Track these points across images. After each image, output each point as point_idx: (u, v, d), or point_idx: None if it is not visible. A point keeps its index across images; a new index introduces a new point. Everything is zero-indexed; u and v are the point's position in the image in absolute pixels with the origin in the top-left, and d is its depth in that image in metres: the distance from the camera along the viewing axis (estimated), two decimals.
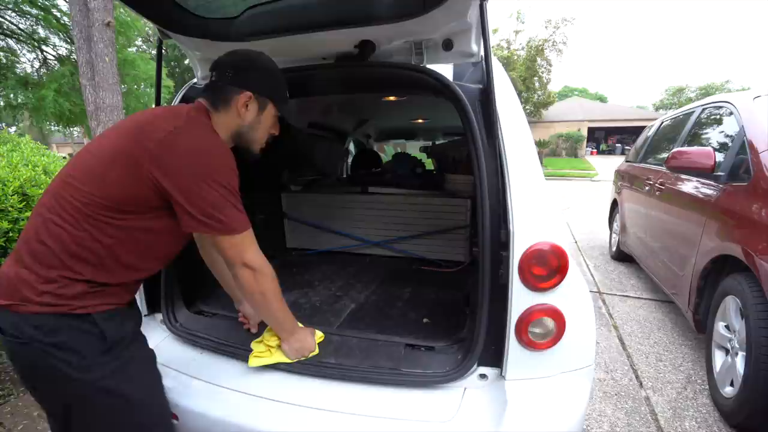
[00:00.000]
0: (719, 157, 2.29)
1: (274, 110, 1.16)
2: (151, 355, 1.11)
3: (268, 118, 1.16)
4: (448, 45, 1.28)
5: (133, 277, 1.03)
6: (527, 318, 1.10)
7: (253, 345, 1.28)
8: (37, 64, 10.35)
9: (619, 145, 30.10)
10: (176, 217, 0.96)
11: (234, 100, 1.07)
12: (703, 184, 2.37)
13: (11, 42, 9.71)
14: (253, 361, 1.23)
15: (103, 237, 0.93)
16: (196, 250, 1.44)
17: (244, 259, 1.03)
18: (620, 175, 4.37)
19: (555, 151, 27.67)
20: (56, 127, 12.53)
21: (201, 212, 0.94)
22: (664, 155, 3.15)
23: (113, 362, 0.96)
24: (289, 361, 1.23)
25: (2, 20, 9.16)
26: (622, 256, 4.15)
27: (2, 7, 8.85)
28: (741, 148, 2.14)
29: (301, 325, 1.32)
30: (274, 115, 1.18)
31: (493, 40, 22.21)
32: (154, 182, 0.92)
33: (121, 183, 0.92)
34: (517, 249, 1.09)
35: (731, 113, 2.42)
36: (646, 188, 3.31)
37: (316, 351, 1.28)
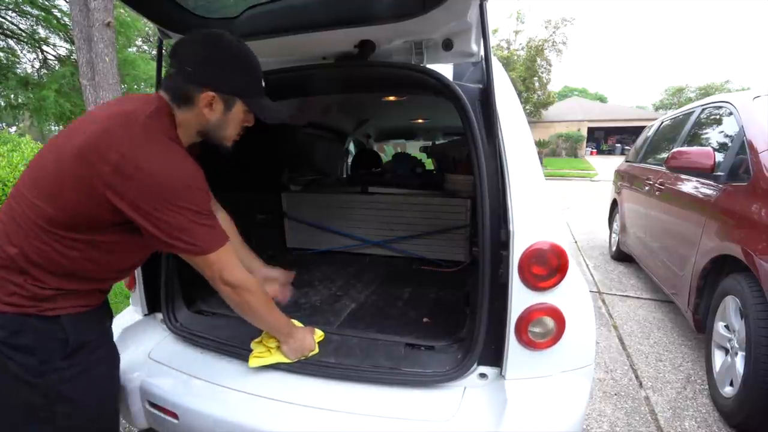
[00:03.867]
0: (719, 157, 2.29)
1: (243, 107, 1.03)
2: (113, 362, 1.08)
3: (237, 115, 1.04)
4: (448, 45, 1.28)
5: (104, 286, 1.00)
6: (527, 317, 1.10)
7: (253, 345, 1.28)
8: (37, 65, 10.37)
9: (619, 145, 30.10)
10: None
11: (196, 100, 0.95)
12: (702, 184, 2.37)
13: (12, 42, 9.72)
14: (253, 362, 1.24)
15: (66, 251, 0.88)
16: None
17: (223, 277, 0.98)
18: (620, 175, 4.37)
19: (555, 151, 27.69)
20: (57, 127, 12.54)
21: (168, 236, 0.88)
22: (664, 155, 3.15)
23: (73, 368, 0.93)
24: (289, 361, 1.23)
25: (3, 20, 9.17)
26: (621, 256, 4.15)
27: (2, 8, 8.86)
28: (741, 148, 2.14)
29: (299, 323, 1.31)
30: (245, 111, 1.05)
31: (493, 41, 22.19)
32: (112, 205, 0.85)
33: (77, 204, 0.85)
34: (517, 248, 1.09)
35: (731, 113, 2.42)
36: (646, 188, 3.31)
37: (316, 350, 1.28)
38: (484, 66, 1.21)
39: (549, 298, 1.11)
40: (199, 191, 0.92)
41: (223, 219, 1.36)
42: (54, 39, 10.09)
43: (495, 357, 1.17)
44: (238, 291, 1.02)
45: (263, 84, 1.06)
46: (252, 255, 1.45)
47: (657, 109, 38.15)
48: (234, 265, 1.01)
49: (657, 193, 3.04)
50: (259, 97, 1.06)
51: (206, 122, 0.99)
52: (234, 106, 1.01)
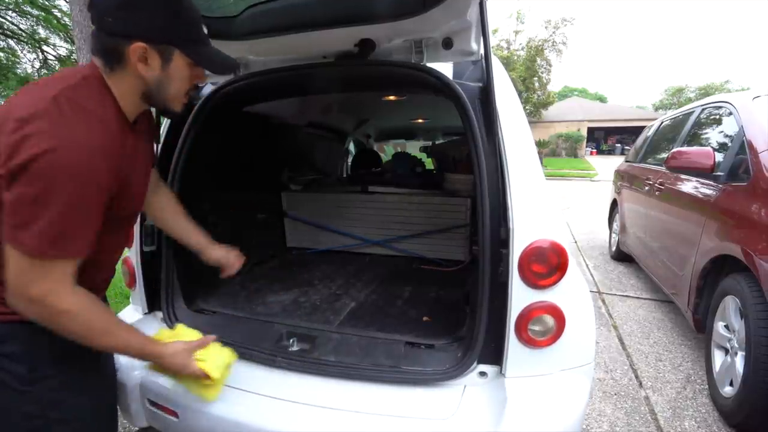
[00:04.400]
0: (719, 157, 2.29)
1: (185, 58, 0.87)
2: (107, 364, 1.05)
3: (181, 69, 0.87)
4: (448, 43, 1.28)
5: (88, 286, 0.89)
6: (527, 315, 1.10)
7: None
8: (37, 65, 10.36)
9: (619, 145, 30.13)
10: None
11: (126, 55, 0.80)
12: (702, 184, 2.37)
13: (12, 42, 9.72)
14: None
15: None
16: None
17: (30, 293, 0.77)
18: (620, 175, 4.37)
19: (555, 151, 27.70)
20: None
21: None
22: (664, 155, 3.16)
23: (63, 374, 0.89)
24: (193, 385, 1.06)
25: (3, 21, 9.17)
26: (621, 256, 4.15)
27: (3, 8, 8.86)
28: (740, 148, 2.14)
29: (190, 336, 1.12)
30: (189, 63, 0.88)
31: (493, 41, 22.19)
32: None
33: None
34: (517, 246, 1.09)
35: (731, 113, 2.43)
36: (646, 188, 3.32)
37: (215, 378, 1.04)
38: (484, 64, 1.21)
39: (549, 296, 1.11)
40: (89, 184, 0.75)
41: (167, 195, 1.30)
42: (54, 39, 10.10)
43: (495, 355, 1.17)
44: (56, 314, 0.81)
45: (204, 29, 0.90)
46: (198, 232, 1.33)
47: (657, 109, 38.16)
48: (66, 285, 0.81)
49: (657, 193, 3.04)
50: (202, 45, 0.89)
51: (146, 82, 0.85)
52: (173, 57, 0.85)
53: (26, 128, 0.71)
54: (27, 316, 0.80)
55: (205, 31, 0.91)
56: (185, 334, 1.14)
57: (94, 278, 0.95)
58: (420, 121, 3.88)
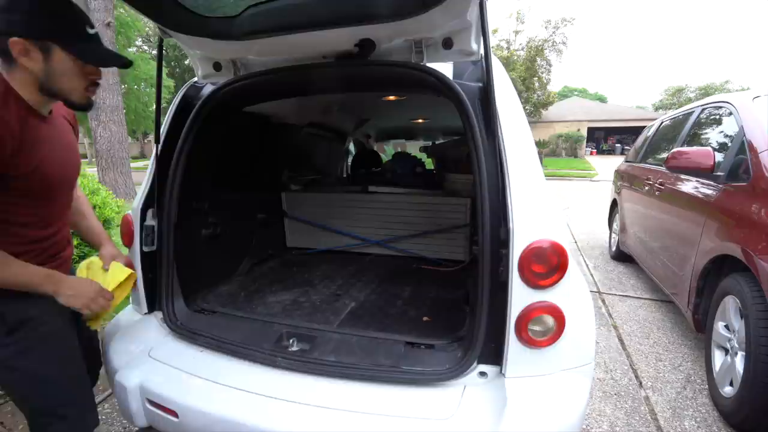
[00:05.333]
0: (719, 157, 2.29)
1: (67, 54, 0.95)
2: (64, 334, 1.13)
3: (64, 63, 0.95)
4: (448, 43, 1.28)
5: (31, 259, 1.02)
6: (527, 315, 1.10)
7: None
8: None
9: (619, 145, 30.11)
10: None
11: (10, 51, 0.90)
12: (702, 184, 2.37)
13: None
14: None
15: None
16: (196, 249, 1.44)
17: None
18: (620, 175, 4.37)
19: (555, 151, 27.69)
20: None
21: None
22: (664, 155, 3.16)
23: (18, 343, 1.00)
24: (88, 312, 1.11)
25: None
26: (621, 256, 4.15)
27: None
28: (740, 148, 2.14)
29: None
30: (74, 59, 0.96)
31: (493, 41, 22.24)
32: None
33: None
34: (517, 246, 1.09)
35: (731, 113, 2.43)
36: (646, 188, 3.32)
37: (116, 296, 1.18)
38: (484, 64, 1.21)
39: (549, 296, 1.11)
40: None
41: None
42: None
43: (495, 355, 1.17)
44: None
45: (84, 25, 0.98)
46: (100, 231, 1.38)
47: (657, 109, 38.13)
48: None
49: (657, 193, 3.04)
50: (80, 41, 0.97)
51: (35, 74, 0.94)
52: (52, 52, 0.93)
53: None
54: None
55: (90, 30, 0.99)
56: (113, 274, 1.23)
57: (44, 251, 1.08)
58: (420, 121, 3.88)
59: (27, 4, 0.91)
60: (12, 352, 1.01)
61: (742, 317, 1.81)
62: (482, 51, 1.21)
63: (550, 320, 1.11)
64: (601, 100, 47.91)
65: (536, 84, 26.73)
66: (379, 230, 2.61)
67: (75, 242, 1.40)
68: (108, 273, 1.23)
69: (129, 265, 1.31)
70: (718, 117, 2.67)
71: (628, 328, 2.80)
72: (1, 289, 0.97)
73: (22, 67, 0.92)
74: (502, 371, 1.16)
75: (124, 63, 1.07)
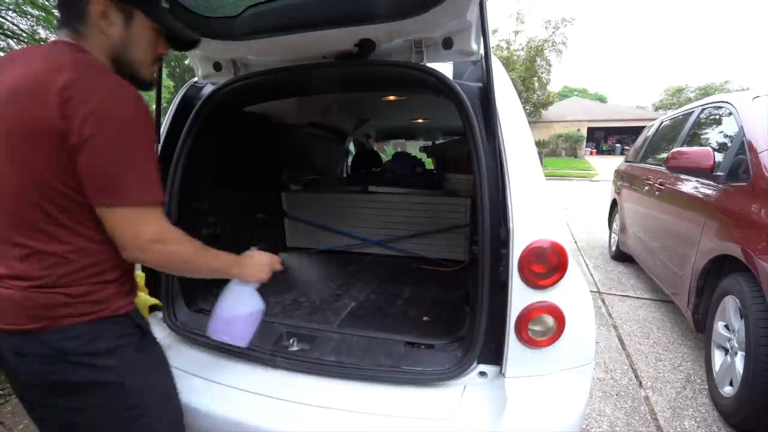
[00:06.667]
0: (718, 157, 2.29)
1: (147, 21, 0.89)
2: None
3: (143, 32, 0.89)
4: (448, 43, 1.28)
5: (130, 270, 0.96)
6: (527, 315, 1.10)
7: None
8: None
9: (619, 145, 30.11)
10: None
11: (88, 12, 0.82)
12: (702, 184, 2.37)
13: (12, 42, 9.73)
14: None
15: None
16: None
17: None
18: (620, 175, 4.37)
19: (555, 151, 27.69)
20: None
21: None
22: (664, 155, 3.16)
23: (146, 357, 0.92)
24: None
25: (3, 21, 9.18)
26: (621, 256, 4.15)
27: (3, 8, 8.87)
28: (740, 148, 2.14)
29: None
30: (152, 28, 0.90)
31: (493, 41, 22.18)
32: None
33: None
34: (517, 246, 1.09)
35: (730, 113, 2.43)
36: (646, 188, 3.32)
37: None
38: (484, 64, 1.21)
39: (549, 296, 1.11)
40: None
41: None
42: (53, 39, 10.10)
43: (495, 355, 1.17)
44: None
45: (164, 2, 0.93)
46: None
47: (657, 109, 38.10)
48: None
49: (657, 193, 3.04)
50: (164, 11, 0.92)
51: (110, 42, 0.86)
52: (134, 18, 0.87)
53: (75, 94, 0.73)
54: (148, 263, 0.87)
55: (164, 3, 0.93)
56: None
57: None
58: (420, 121, 3.88)
59: None
60: (144, 368, 0.91)
61: (742, 317, 1.81)
62: (482, 51, 1.21)
63: (550, 320, 1.11)
64: (601, 100, 47.90)
65: (536, 84, 26.73)
66: (379, 230, 2.61)
67: None
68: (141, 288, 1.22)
69: None
70: (718, 117, 2.67)
71: (628, 328, 2.80)
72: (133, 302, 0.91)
73: (99, 32, 0.84)
74: (502, 371, 1.16)
75: (196, 41, 1.04)
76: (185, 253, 0.89)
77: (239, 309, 1.13)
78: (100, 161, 0.75)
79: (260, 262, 1.11)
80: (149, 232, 0.81)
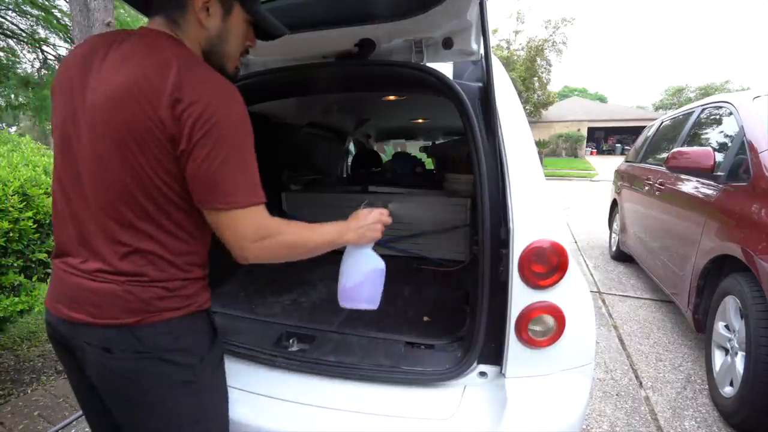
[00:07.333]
0: (719, 157, 2.29)
1: (243, 14, 0.89)
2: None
3: (238, 25, 0.90)
4: (448, 43, 1.28)
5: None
6: (527, 315, 1.10)
7: None
8: (37, 65, 10.35)
9: (619, 145, 30.10)
10: None
11: (190, 4, 0.82)
12: (702, 184, 2.37)
13: (12, 42, 9.72)
14: None
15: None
16: None
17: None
18: (620, 175, 4.37)
19: (555, 151, 27.69)
20: None
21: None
22: (664, 155, 3.16)
23: (215, 355, 0.92)
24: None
25: (3, 20, 9.17)
26: (622, 256, 4.15)
27: (3, 8, 8.86)
28: (740, 148, 2.14)
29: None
30: (246, 21, 0.91)
31: (493, 41, 22.23)
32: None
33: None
34: (517, 246, 1.09)
35: (731, 113, 2.43)
36: (646, 188, 3.32)
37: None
38: (484, 64, 1.21)
39: (549, 296, 1.11)
40: None
41: None
42: (54, 39, 10.08)
43: (495, 355, 1.17)
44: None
45: None
46: None
47: (657, 109, 38.11)
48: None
49: (657, 193, 3.04)
50: (258, 4, 0.92)
51: (207, 34, 0.86)
52: (233, 9, 0.87)
53: (185, 96, 0.72)
54: (258, 260, 0.85)
55: None
56: None
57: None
58: (420, 121, 3.88)
59: None
60: (213, 366, 0.91)
61: (742, 317, 1.81)
62: (482, 51, 1.21)
63: (550, 320, 1.11)
64: (601, 100, 47.92)
65: (536, 84, 26.71)
66: None
67: None
68: None
69: None
70: (718, 117, 2.67)
71: (628, 328, 2.80)
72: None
73: (197, 24, 0.84)
74: (502, 371, 1.16)
75: (282, 33, 1.03)
76: (290, 240, 0.87)
77: (361, 274, 1.11)
78: (208, 166, 0.74)
79: (370, 220, 1.08)
80: (254, 232, 0.81)
